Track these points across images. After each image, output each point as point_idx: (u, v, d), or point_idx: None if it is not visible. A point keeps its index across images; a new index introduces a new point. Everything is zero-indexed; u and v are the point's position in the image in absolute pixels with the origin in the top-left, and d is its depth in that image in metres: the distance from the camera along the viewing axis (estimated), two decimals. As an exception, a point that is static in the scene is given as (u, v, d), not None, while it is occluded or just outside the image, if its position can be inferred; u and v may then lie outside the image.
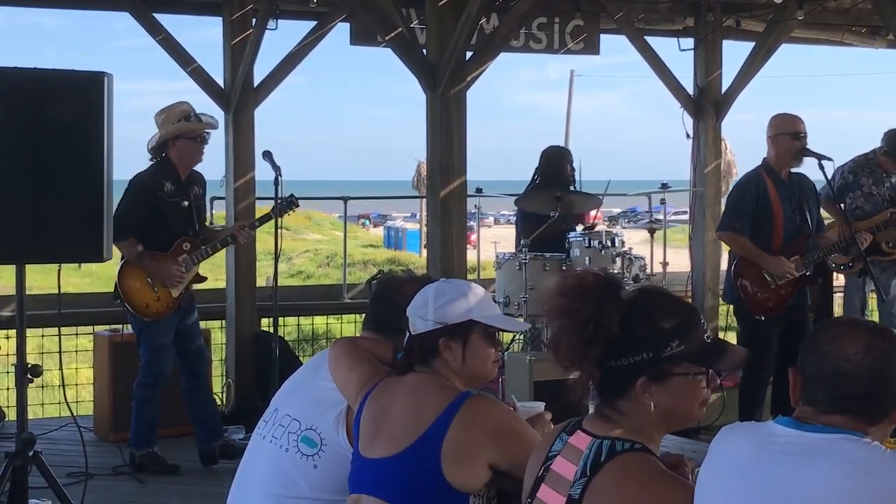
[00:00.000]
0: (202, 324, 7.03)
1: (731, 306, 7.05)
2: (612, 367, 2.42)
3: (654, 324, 2.42)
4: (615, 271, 7.15)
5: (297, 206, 6.69)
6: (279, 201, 6.54)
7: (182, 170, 6.36)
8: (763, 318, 6.58)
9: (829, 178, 7.31)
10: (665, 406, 2.43)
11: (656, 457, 2.42)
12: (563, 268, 7.17)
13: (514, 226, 8.56)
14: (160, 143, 6.32)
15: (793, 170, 6.65)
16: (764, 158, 6.66)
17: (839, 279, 8.99)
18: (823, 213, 7.93)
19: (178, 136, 6.30)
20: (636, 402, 2.42)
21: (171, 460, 6.50)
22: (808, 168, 6.56)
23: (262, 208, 7.39)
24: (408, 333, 3.03)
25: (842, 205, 7.65)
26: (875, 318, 7.92)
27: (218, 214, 9.57)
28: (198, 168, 6.55)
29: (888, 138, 7.81)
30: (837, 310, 8.80)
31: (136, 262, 6.29)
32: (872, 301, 8.05)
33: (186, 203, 6.35)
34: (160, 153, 6.34)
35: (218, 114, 7.64)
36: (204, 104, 6.73)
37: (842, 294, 9.18)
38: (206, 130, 6.41)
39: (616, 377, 2.42)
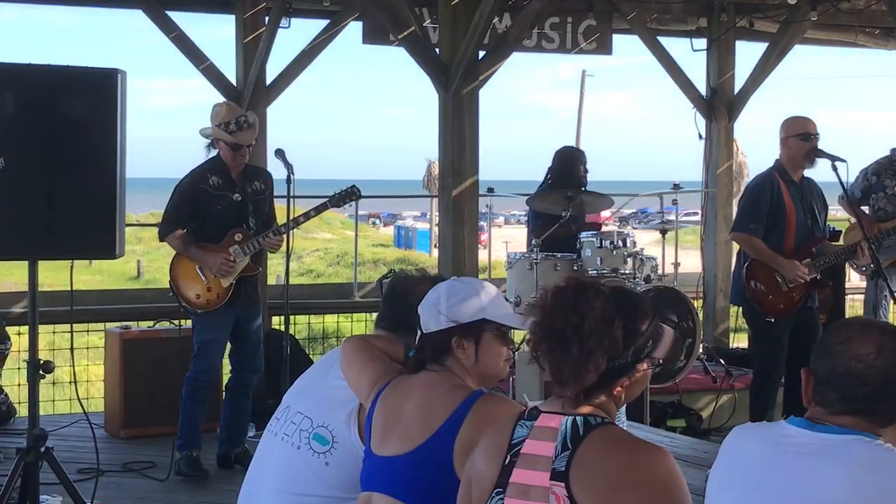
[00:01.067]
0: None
1: (740, 308, 7.03)
2: (605, 369, 2.42)
3: (638, 328, 2.44)
4: (627, 272, 7.14)
5: (360, 196, 6.51)
6: (338, 193, 6.45)
7: (230, 166, 6.31)
8: (773, 320, 6.56)
9: (848, 179, 7.27)
10: (627, 394, 2.49)
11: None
12: (575, 268, 7.16)
13: (524, 226, 8.55)
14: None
15: (805, 172, 6.64)
16: (776, 160, 6.64)
17: (851, 281, 8.98)
18: (843, 212, 7.90)
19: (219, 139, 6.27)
20: (611, 394, 2.46)
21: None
22: (821, 170, 6.55)
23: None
24: (419, 332, 3.03)
25: (865, 207, 7.63)
26: (892, 320, 7.89)
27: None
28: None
29: None
30: (850, 312, 8.79)
31: (185, 253, 6.27)
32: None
33: (238, 196, 6.26)
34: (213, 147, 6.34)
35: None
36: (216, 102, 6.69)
37: (853, 296, 9.17)
38: (240, 143, 6.21)
39: (603, 379, 2.42)
